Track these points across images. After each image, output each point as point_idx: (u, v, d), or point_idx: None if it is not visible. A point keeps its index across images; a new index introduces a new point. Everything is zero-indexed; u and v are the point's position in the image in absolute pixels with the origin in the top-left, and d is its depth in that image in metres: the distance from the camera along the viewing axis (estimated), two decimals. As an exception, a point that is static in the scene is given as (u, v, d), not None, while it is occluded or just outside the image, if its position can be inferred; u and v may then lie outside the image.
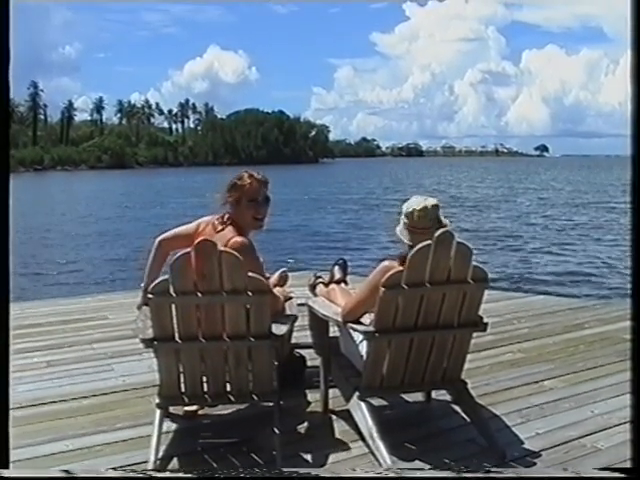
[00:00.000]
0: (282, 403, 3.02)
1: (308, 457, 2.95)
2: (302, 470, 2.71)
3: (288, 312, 3.33)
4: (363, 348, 3.09)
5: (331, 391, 3.44)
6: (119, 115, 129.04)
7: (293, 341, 3.73)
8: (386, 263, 3.00)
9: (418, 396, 3.57)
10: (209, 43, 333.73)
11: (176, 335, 2.82)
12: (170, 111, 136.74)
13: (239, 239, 3.12)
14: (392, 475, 1.42)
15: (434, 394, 3.55)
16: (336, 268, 3.82)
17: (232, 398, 2.97)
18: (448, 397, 3.40)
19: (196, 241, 2.80)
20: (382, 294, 2.85)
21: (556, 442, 3.07)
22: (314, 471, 2.75)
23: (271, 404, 2.97)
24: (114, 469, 2.76)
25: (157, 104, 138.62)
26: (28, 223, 22.31)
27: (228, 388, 2.95)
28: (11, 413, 2.03)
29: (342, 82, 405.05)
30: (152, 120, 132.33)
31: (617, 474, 2.20)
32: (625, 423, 3.12)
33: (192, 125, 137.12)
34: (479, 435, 3.05)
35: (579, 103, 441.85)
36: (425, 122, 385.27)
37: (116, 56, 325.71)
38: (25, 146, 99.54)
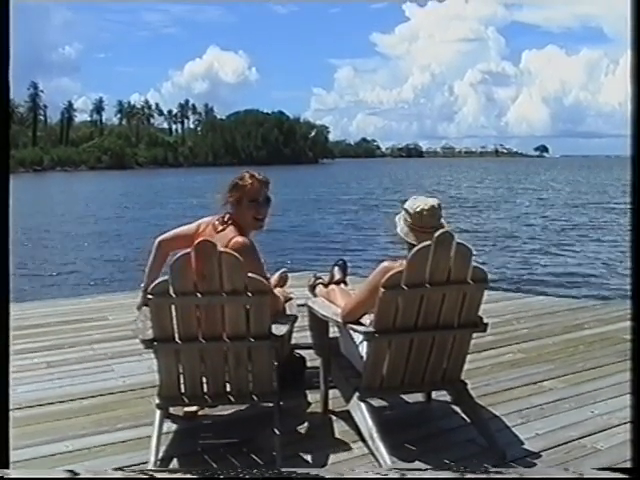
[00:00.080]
0: (282, 404, 3.02)
1: (308, 457, 2.96)
2: (302, 470, 2.71)
3: (288, 313, 3.33)
4: (363, 349, 3.10)
5: (331, 392, 3.45)
6: (119, 116, 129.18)
7: (293, 342, 3.73)
8: (386, 264, 3.00)
9: (418, 397, 3.57)
10: (209, 43, 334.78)
11: (176, 336, 2.82)
12: (170, 111, 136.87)
13: (240, 239, 3.13)
14: (393, 475, 1.42)
15: (434, 395, 3.55)
16: (336, 269, 3.82)
17: (232, 399, 2.98)
18: (448, 398, 3.40)
19: (196, 242, 2.81)
20: (382, 294, 2.85)
21: (556, 442, 3.07)
22: (314, 471, 2.75)
23: (271, 405, 2.97)
24: (118, 469, 2.76)
25: (157, 104, 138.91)
26: (28, 224, 22.29)
27: (228, 389, 2.95)
28: (11, 414, 2.03)
29: (342, 82, 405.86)
30: (152, 121, 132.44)
31: (617, 474, 2.20)
32: (625, 423, 3.13)
33: (192, 125, 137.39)
34: (479, 435, 3.05)
35: (579, 103, 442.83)
36: (425, 122, 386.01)
37: (116, 56, 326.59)
38: (25, 147, 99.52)
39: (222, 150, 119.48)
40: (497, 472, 1.84)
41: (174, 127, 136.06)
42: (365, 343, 3.05)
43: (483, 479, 1.42)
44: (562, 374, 4.08)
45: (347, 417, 3.18)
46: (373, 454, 2.86)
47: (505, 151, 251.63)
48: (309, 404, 3.60)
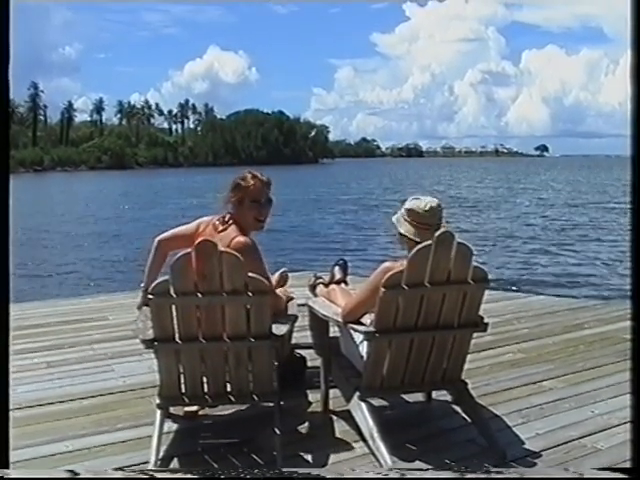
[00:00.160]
0: (282, 403, 3.02)
1: (309, 457, 2.96)
2: (303, 470, 2.71)
3: (291, 310, 3.34)
4: (363, 348, 3.10)
5: (331, 391, 3.45)
6: (119, 116, 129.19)
7: (293, 341, 3.73)
8: (387, 264, 3.00)
9: (418, 396, 3.57)
10: (209, 43, 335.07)
11: (176, 336, 2.82)
12: (170, 111, 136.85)
13: (242, 239, 3.13)
14: (393, 475, 1.42)
15: (434, 394, 3.55)
16: (336, 268, 3.82)
17: (232, 398, 2.97)
18: (448, 397, 3.40)
19: (196, 241, 2.80)
20: (382, 294, 2.85)
21: (556, 442, 3.07)
22: (315, 471, 2.75)
23: (271, 404, 2.97)
24: (118, 469, 2.76)
25: (157, 104, 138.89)
26: (28, 224, 22.29)
27: (228, 388, 2.95)
28: (11, 414, 2.03)
29: (342, 82, 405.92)
30: (152, 121, 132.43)
31: (617, 474, 2.20)
32: (625, 423, 3.13)
33: (192, 125, 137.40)
34: (479, 435, 3.05)
35: (579, 103, 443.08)
36: (425, 122, 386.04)
37: (116, 56, 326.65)
38: (25, 147, 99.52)
39: (222, 150, 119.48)
40: (497, 472, 1.84)
41: (174, 127, 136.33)
42: (365, 343, 3.05)
43: (483, 479, 1.42)
44: (562, 374, 4.08)
45: (348, 417, 3.18)
46: (374, 454, 2.86)
47: (505, 151, 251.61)
48: (309, 404, 3.60)
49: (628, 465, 2.31)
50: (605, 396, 3.65)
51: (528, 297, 7.09)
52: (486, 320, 3.09)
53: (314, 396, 3.59)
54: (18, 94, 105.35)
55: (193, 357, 2.88)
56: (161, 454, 2.87)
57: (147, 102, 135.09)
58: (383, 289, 2.84)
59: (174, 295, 2.76)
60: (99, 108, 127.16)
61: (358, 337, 3.14)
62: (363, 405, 2.98)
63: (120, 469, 2.77)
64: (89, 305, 6.33)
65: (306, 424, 3.36)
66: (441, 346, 3.01)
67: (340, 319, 3.12)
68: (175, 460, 2.94)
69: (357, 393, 3.03)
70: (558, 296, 8.17)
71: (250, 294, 2.77)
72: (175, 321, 2.80)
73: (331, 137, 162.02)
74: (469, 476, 1.42)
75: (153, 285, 2.81)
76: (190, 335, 2.82)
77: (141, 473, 2.71)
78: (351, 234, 20.83)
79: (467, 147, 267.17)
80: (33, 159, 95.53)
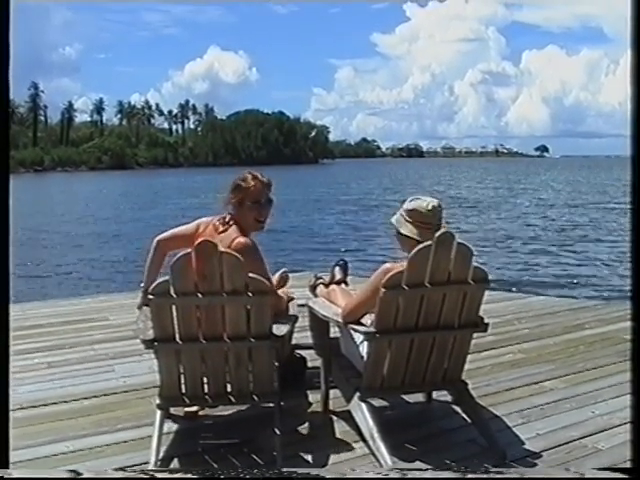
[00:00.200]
0: (283, 404, 3.02)
1: (309, 458, 2.96)
2: (303, 470, 2.71)
3: (292, 310, 3.34)
4: (364, 349, 3.09)
5: (332, 392, 3.45)
6: (119, 116, 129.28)
7: (294, 342, 3.73)
8: (387, 265, 3.00)
9: (419, 397, 3.57)
10: (209, 44, 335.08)
11: (177, 336, 2.82)
12: (170, 112, 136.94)
13: (243, 240, 3.13)
14: (394, 475, 1.42)
15: (435, 395, 3.55)
16: (337, 269, 3.82)
17: (232, 399, 2.97)
18: (449, 398, 3.40)
19: (197, 242, 2.80)
20: (383, 295, 2.85)
21: (557, 443, 3.07)
22: (315, 471, 2.75)
23: (272, 405, 2.97)
24: (119, 469, 2.76)
25: (157, 105, 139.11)
26: (28, 224, 22.30)
27: (229, 389, 2.95)
28: (12, 414, 2.04)
29: (342, 83, 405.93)
30: (152, 121, 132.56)
31: (617, 474, 2.19)
32: (626, 424, 3.12)
33: (192, 126, 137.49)
34: (480, 436, 3.05)
35: (579, 103, 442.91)
36: (425, 123, 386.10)
37: (116, 57, 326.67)
38: (25, 147, 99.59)
39: (222, 150, 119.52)
40: (498, 472, 1.84)
41: (174, 127, 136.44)
42: (366, 343, 3.05)
43: (484, 479, 1.42)
44: (563, 374, 4.08)
45: (348, 417, 3.18)
46: (374, 454, 2.86)
47: (505, 151, 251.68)
48: (310, 404, 3.60)
49: (629, 465, 2.31)
50: (606, 396, 3.65)
51: (528, 297, 7.09)
52: (486, 320, 3.09)
53: (314, 396, 3.59)
54: (18, 94, 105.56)
55: (193, 357, 2.88)
56: (161, 454, 2.87)
57: (147, 102, 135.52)
58: (383, 289, 2.84)
59: (174, 295, 2.76)
60: (99, 108, 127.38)
61: (358, 337, 3.14)
62: (363, 405, 2.98)
63: (121, 469, 2.78)
64: (90, 305, 6.33)
65: (306, 424, 3.36)
66: (441, 346, 3.01)
67: (340, 319, 3.12)
68: (175, 460, 2.95)
69: (357, 393, 3.03)
70: (558, 297, 8.18)
71: (250, 294, 2.77)
72: (175, 321, 2.80)
73: (331, 137, 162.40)
74: (470, 476, 1.42)
75: (153, 285, 2.82)
76: (190, 335, 2.82)
77: (142, 473, 2.71)
78: (351, 234, 20.83)
79: (467, 147, 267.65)
80: (33, 159, 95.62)
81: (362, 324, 3.08)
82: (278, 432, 2.87)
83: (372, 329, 2.93)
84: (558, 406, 3.55)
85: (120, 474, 2.63)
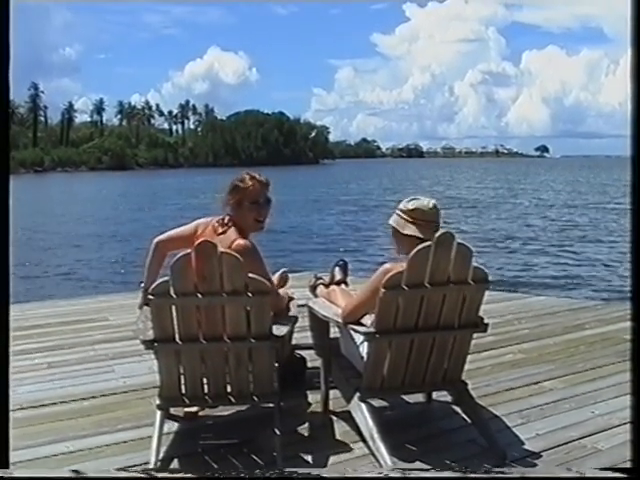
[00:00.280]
0: (282, 404, 3.02)
1: (309, 458, 2.96)
2: (303, 470, 2.71)
3: (292, 310, 3.34)
4: (364, 349, 3.09)
5: (332, 392, 3.45)
6: (119, 116, 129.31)
7: (294, 342, 3.72)
8: (387, 266, 2.99)
9: (419, 397, 3.57)
10: (209, 44, 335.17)
11: (176, 336, 2.82)
12: (170, 112, 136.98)
13: (242, 242, 3.12)
14: (394, 475, 1.42)
15: (435, 395, 3.55)
16: (337, 269, 3.82)
17: (232, 399, 2.97)
18: (449, 398, 3.40)
19: (197, 242, 2.80)
20: (382, 295, 2.85)
21: (557, 443, 3.07)
22: (315, 472, 2.75)
23: (271, 405, 2.97)
24: (122, 470, 2.76)
25: (157, 105, 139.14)
26: (28, 224, 22.31)
27: (228, 389, 2.95)
28: (12, 414, 2.04)
29: (342, 83, 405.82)
30: (152, 121, 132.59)
31: (617, 474, 2.20)
32: (625, 424, 3.12)
33: (192, 126, 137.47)
34: (480, 436, 3.05)
35: (579, 104, 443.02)
36: (425, 123, 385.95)
37: (116, 57, 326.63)
38: (25, 147, 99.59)
39: (222, 151, 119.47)
40: (499, 472, 1.84)
41: (174, 128, 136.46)
42: (366, 343, 3.05)
43: (486, 478, 1.43)
44: (563, 374, 4.08)
45: (348, 417, 3.18)
46: (374, 454, 2.86)
47: (505, 151, 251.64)
48: (310, 405, 3.60)
49: (628, 466, 2.31)
50: (605, 397, 3.65)
51: (528, 298, 7.08)
52: (486, 321, 3.09)
53: (314, 397, 3.59)
54: (18, 95, 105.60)
55: (193, 358, 2.88)
56: (161, 455, 2.87)
57: (147, 103, 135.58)
58: (383, 290, 2.84)
59: (174, 296, 2.76)
60: (99, 109, 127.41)
61: (358, 338, 3.14)
62: (363, 406, 2.98)
63: (122, 469, 2.78)
64: (89, 306, 6.33)
65: (306, 425, 3.36)
66: (441, 347, 3.01)
67: (340, 320, 3.12)
68: (175, 461, 2.95)
69: (357, 394, 3.03)
70: (558, 297, 8.18)
71: (250, 295, 2.77)
72: (175, 322, 2.80)
73: (331, 138, 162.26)
74: (474, 476, 1.42)
75: (153, 286, 2.81)
76: (190, 336, 2.82)
77: (143, 473, 2.72)
78: (351, 235, 20.84)
79: (467, 148, 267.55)
80: (33, 160, 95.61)
81: (362, 324, 3.08)
82: (278, 432, 2.87)
83: (372, 329, 2.93)
84: (558, 406, 3.55)
85: (122, 474, 2.63)
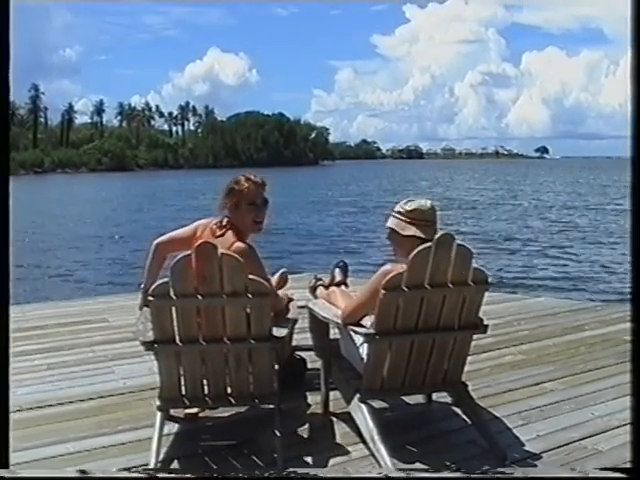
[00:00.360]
0: (282, 405, 3.01)
1: (309, 459, 2.95)
2: (303, 471, 2.71)
3: (292, 311, 3.34)
4: (364, 350, 3.09)
5: (332, 393, 3.44)
6: (119, 118, 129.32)
7: (294, 343, 3.73)
8: (387, 267, 2.99)
9: (419, 398, 3.57)
10: (209, 45, 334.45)
11: (176, 337, 2.82)
12: (170, 113, 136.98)
13: (241, 245, 3.12)
14: (394, 476, 1.42)
15: (435, 396, 3.55)
16: (336, 270, 3.82)
17: (232, 400, 2.97)
18: (449, 399, 3.39)
19: (196, 243, 2.80)
20: (382, 296, 2.85)
21: (557, 444, 3.06)
22: (315, 472, 2.75)
23: (271, 406, 2.97)
24: (124, 470, 2.76)
25: (157, 106, 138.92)
26: (28, 225, 22.32)
27: (228, 390, 2.95)
28: (11, 416, 2.04)
29: (342, 84, 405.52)
30: (152, 122, 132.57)
31: (617, 474, 2.20)
32: (625, 425, 3.12)
33: (192, 127, 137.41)
34: (480, 437, 3.04)
35: (579, 104, 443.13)
36: (425, 124, 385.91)
37: (116, 58, 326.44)
38: (25, 149, 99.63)
39: (222, 152, 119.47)
40: (500, 472, 1.85)
41: (174, 129, 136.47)
42: (366, 345, 3.05)
43: (488, 479, 1.43)
44: (563, 375, 4.08)
45: (348, 419, 3.17)
46: (374, 456, 2.86)
47: (505, 152, 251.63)
48: (310, 406, 3.60)
49: (629, 466, 2.31)
50: (605, 398, 3.65)
51: (528, 299, 7.09)
52: (486, 322, 3.08)
53: (314, 398, 3.59)
54: (18, 96, 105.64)
55: (193, 359, 2.88)
56: (161, 456, 2.86)
57: (147, 104, 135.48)
58: (383, 291, 2.84)
59: (174, 297, 2.75)
60: (99, 110, 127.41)
61: (358, 339, 3.13)
62: (363, 407, 2.98)
63: (123, 470, 2.78)
64: (89, 307, 6.33)
65: (306, 426, 3.35)
66: (441, 348, 3.01)
67: (340, 321, 3.12)
68: (175, 462, 2.94)
69: (357, 395, 3.02)
70: (558, 298, 8.17)
71: (250, 296, 2.77)
72: (175, 323, 2.80)
73: (331, 139, 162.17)
74: (475, 476, 1.42)
75: (153, 287, 2.81)
76: (190, 337, 2.82)
77: (143, 473, 2.72)
78: (350, 236, 20.84)
79: (467, 149, 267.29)
80: (33, 161, 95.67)
81: (362, 326, 3.07)
82: (278, 434, 2.87)
83: (372, 331, 2.93)
84: (558, 407, 3.55)
85: (123, 474, 2.63)
